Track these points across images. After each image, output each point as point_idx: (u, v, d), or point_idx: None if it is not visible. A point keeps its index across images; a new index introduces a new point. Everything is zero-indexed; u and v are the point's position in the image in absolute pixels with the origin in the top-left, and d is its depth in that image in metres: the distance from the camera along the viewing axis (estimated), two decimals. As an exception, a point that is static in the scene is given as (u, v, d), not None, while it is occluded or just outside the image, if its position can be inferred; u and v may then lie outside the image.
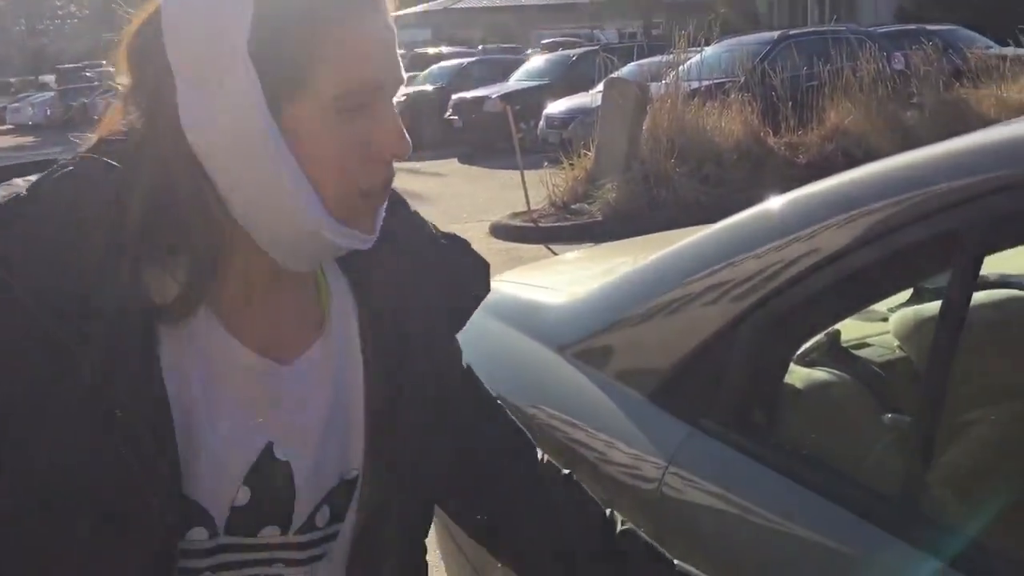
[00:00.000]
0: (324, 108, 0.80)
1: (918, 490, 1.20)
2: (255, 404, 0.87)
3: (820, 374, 1.51)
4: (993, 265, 1.78)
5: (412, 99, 18.78)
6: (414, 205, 1.03)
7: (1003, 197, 1.16)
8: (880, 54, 10.54)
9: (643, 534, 1.10)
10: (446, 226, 1.07)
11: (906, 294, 1.76)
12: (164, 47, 0.80)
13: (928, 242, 1.23)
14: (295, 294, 0.91)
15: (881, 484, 1.29)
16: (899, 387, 1.52)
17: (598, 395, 1.63)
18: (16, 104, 37.44)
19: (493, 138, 15.59)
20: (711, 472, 1.37)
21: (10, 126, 36.00)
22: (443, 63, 21.81)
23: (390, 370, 0.93)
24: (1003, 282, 1.72)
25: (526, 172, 9.44)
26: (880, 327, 1.73)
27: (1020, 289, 1.71)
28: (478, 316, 2.17)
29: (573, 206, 9.42)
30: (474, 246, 1.05)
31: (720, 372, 1.41)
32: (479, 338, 2.11)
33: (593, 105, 10.88)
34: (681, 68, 10.06)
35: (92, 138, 0.87)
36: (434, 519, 0.99)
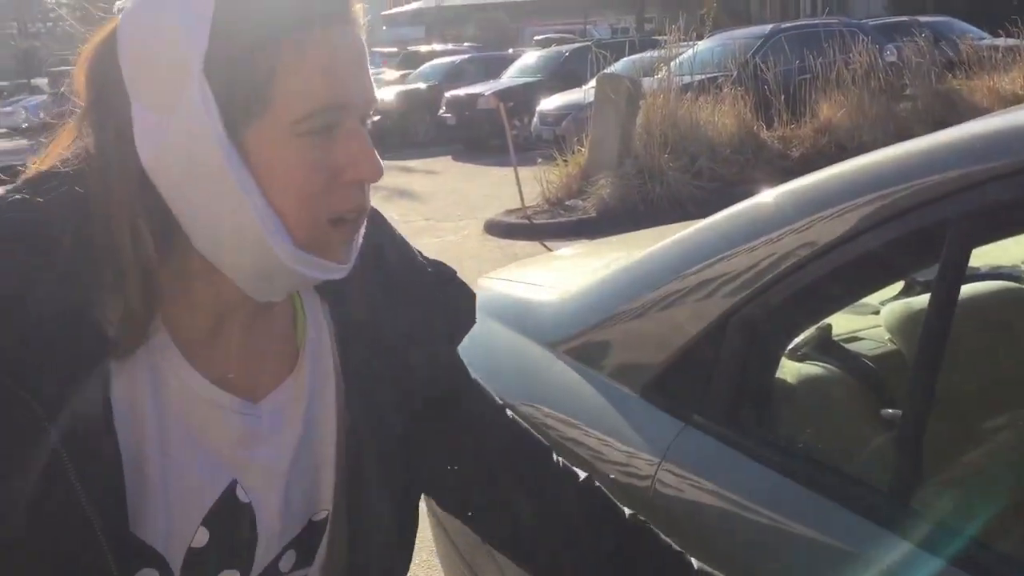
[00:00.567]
0: (287, 131, 0.75)
1: (910, 484, 1.20)
2: (218, 442, 0.82)
3: (811, 368, 1.51)
4: (984, 256, 1.78)
5: (405, 97, 18.78)
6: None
7: (992, 188, 1.15)
8: (872, 46, 10.54)
9: (666, 539, 1.06)
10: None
11: (897, 287, 1.76)
12: (120, 67, 0.76)
13: (918, 234, 1.23)
14: (268, 327, 0.86)
15: (873, 479, 1.29)
16: (891, 380, 1.51)
17: (590, 392, 1.62)
18: (8, 108, 37.34)
19: (487, 135, 15.58)
20: (704, 468, 1.37)
21: (3, 129, 35.91)
22: (436, 61, 21.80)
23: (368, 391, 0.90)
24: (994, 274, 1.72)
25: (520, 169, 9.43)
26: (871, 320, 1.73)
27: (1011, 280, 1.71)
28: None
29: (567, 202, 9.41)
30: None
31: (712, 367, 1.41)
32: (472, 336, 2.12)
33: (586, 101, 10.86)
34: (673, 63, 10.05)
35: (42, 161, 0.82)
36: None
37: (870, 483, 1.28)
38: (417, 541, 1.10)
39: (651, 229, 2.68)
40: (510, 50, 24.99)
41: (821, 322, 1.55)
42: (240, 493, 0.84)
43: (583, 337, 1.72)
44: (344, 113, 0.78)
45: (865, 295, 1.64)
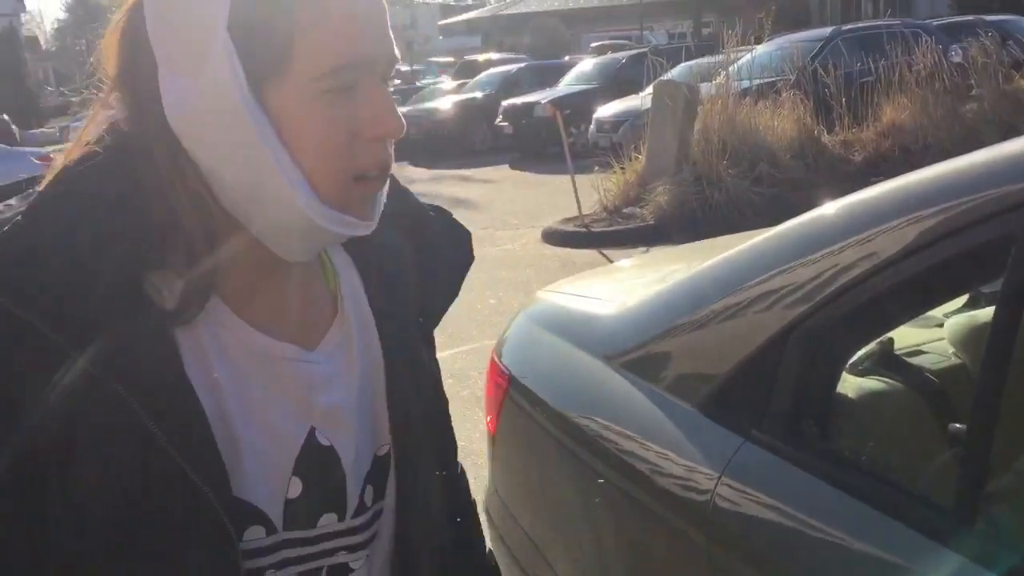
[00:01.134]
0: (310, 89, 0.76)
1: (975, 502, 1.18)
2: (289, 392, 0.85)
3: (873, 383, 1.49)
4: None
5: (462, 107, 18.91)
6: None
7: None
8: (936, 47, 10.32)
9: None
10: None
11: (962, 299, 1.73)
12: (147, 34, 0.78)
13: (983, 247, 1.21)
14: (303, 280, 0.89)
15: (937, 495, 1.27)
16: (955, 395, 1.49)
17: (647, 405, 1.63)
18: (77, 123, 38.43)
19: (544, 143, 15.62)
20: (764, 484, 1.36)
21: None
22: (492, 70, 21.90)
23: (401, 337, 0.94)
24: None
25: (577, 177, 9.43)
26: (935, 333, 1.70)
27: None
28: (529, 327, 2.19)
29: (625, 210, 9.38)
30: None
31: (772, 382, 1.40)
32: (530, 349, 2.14)
33: (643, 107, 10.82)
34: (731, 68, 9.96)
35: (78, 145, 0.83)
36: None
37: (933, 500, 1.26)
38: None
39: (708, 240, 2.67)
40: (566, 57, 25.02)
41: (883, 336, 1.52)
42: (320, 438, 0.86)
43: (640, 350, 1.72)
44: (365, 70, 0.79)
45: (928, 309, 1.62)
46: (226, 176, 0.78)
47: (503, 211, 11.45)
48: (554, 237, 9.26)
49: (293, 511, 0.85)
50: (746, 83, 10.09)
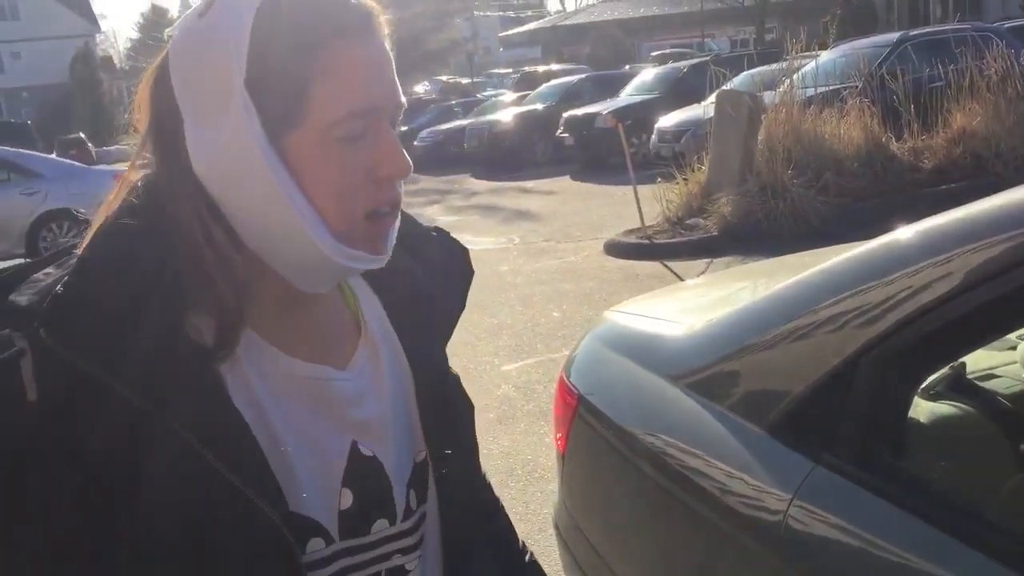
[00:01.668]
0: (322, 135, 0.83)
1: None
2: (328, 410, 0.91)
3: (945, 408, 1.49)
4: None
5: (523, 118, 19.00)
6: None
7: None
8: (1008, 51, 10.07)
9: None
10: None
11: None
12: (172, 89, 0.84)
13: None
14: (327, 306, 0.95)
15: (1011, 521, 1.27)
16: (1030, 419, 1.48)
17: (714, 426, 1.64)
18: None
19: (605, 154, 15.61)
20: (836, 508, 1.37)
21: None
22: (552, 81, 21.96)
23: (424, 350, 1.01)
24: None
25: (639, 188, 9.41)
26: (1008, 356, 1.69)
27: None
28: (596, 347, 2.22)
29: (688, 221, 9.33)
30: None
31: (842, 406, 1.41)
32: (598, 368, 2.17)
33: (705, 117, 10.76)
34: (795, 76, 9.85)
35: (114, 198, 0.89)
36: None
37: (1006, 526, 1.26)
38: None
39: (775, 259, 2.67)
40: (626, 67, 24.96)
41: (957, 360, 1.52)
42: (363, 450, 0.92)
43: (707, 371, 1.74)
44: (374, 116, 0.85)
45: (1004, 335, 1.61)
46: (249, 219, 0.85)
47: (565, 223, 11.48)
48: (616, 249, 9.25)
49: (347, 521, 0.90)
50: (811, 91, 9.96)
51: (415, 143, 20.73)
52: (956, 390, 1.53)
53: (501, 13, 63.60)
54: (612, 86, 19.21)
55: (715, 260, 8.26)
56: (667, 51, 29.81)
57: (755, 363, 1.64)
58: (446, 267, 1.08)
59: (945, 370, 1.53)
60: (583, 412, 2.05)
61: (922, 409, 1.48)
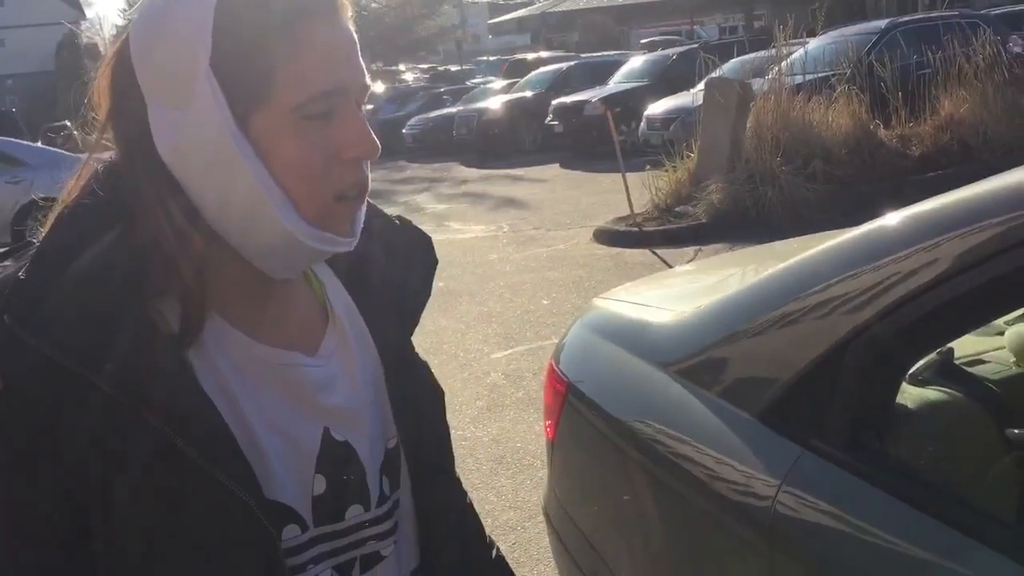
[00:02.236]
0: (289, 117, 0.82)
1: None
2: (299, 396, 0.90)
3: (933, 393, 1.49)
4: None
5: (512, 106, 18.96)
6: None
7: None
8: (995, 38, 10.10)
9: None
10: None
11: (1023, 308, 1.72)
12: (135, 71, 0.83)
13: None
14: (294, 292, 0.95)
15: (998, 506, 1.28)
16: (1017, 405, 1.49)
17: (704, 412, 1.65)
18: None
19: (594, 142, 15.60)
20: (825, 493, 1.38)
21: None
22: (542, 69, 21.91)
23: (391, 336, 1.01)
24: None
25: (628, 175, 9.40)
26: (995, 342, 1.69)
27: None
28: (586, 334, 2.22)
29: (677, 209, 9.34)
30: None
31: (831, 392, 1.41)
32: (588, 356, 2.17)
33: (694, 104, 10.76)
34: (784, 63, 9.86)
35: (74, 185, 0.88)
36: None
37: (993, 510, 1.27)
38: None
39: (764, 246, 2.68)
40: (616, 55, 24.89)
41: (944, 346, 1.53)
42: (336, 435, 0.92)
43: (697, 358, 1.74)
44: (340, 98, 0.85)
45: (991, 320, 1.61)
46: (216, 202, 0.84)
47: (554, 211, 11.47)
48: (606, 237, 9.26)
49: (321, 507, 0.90)
50: (799, 78, 9.98)
51: (404, 131, 20.67)
52: (944, 376, 1.53)
53: (490, 0, 63.39)
54: (601, 73, 19.18)
55: (704, 247, 8.27)
56: (656, 38, 29.78)
57: (744, 350, 1.65)
58: (411, 255, 1.08)
59: (933, 356, 1.53)
60: (573, 399, 2.05)
61: (910, 395, 1.48)
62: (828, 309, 1.47)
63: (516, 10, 48.96)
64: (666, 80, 15.89)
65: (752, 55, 11.71)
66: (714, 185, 8.98)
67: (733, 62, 12.08)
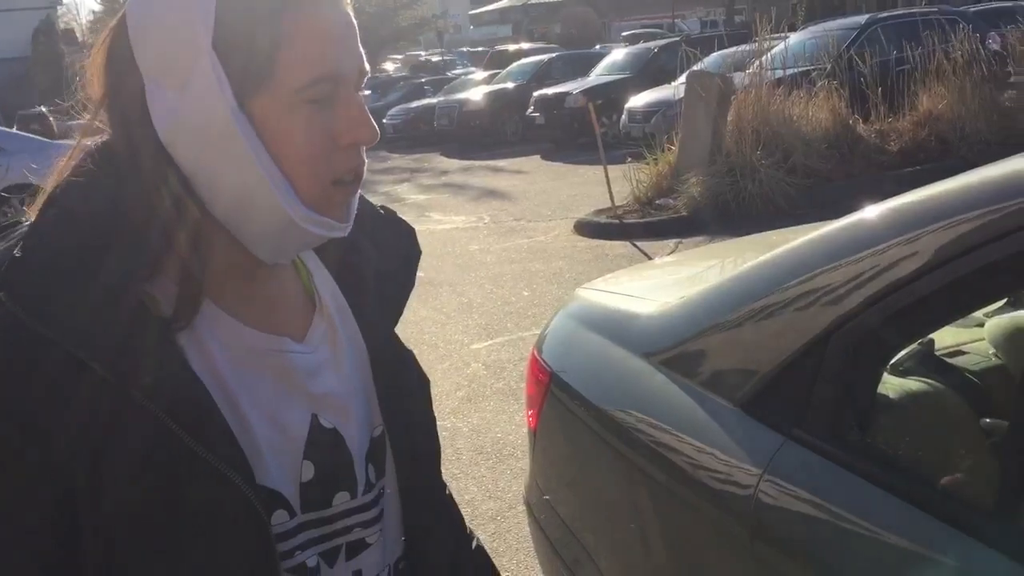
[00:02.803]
0: (290, 100, 0.82)
1: (1015, 500, 1.20)
2: (288, 383, 0.90)
3: (913, 384, 1.51)
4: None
5: (493, 97, 18.93)
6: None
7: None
8: (973, 35, 10.18)
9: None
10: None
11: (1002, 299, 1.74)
12: (132, 52, 0.83)
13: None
14: (283, 279, 0.95)
15: (976, 494, 1.29)
16: (996, 395, 1.50)
17: (686, 402, 1.65)
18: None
19: (576, 134, 15.60)
20: (807, 482, 1.39)
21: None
22: (523, 60, 21.87)
23: (378, 325, 1.02)
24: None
25: (609, 168, 9.41)
26: (975, 333, 1.71)
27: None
28: (568, 324, 2.22)
29: (658, 201, 9.37)
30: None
31: (813, 382, 1.42)
32: (570, 346, 2.17)
33: (675, 98, 10.78)
34: (765, 57, 9.89)
35: (65, 164, 0.87)
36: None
37: (973, 498, 1.28)
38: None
39: (746, 238, 2.69)
40: (597, 47, 24.90)
41: (925, 337, 1.54)
42: (324, 422, 0.92)
43: (679, 348, 1.75)
44: (340, 82, 0.85)
45: (971, 311, 1.63)
46: (215, 184, 0.84)
47: (535, 202, 11.47)
48: (586, 229, 9.26)
49: (309, 493, 0.90)
50: (780, 72, 10.02)
51: (384, 121, 20.58)
52: (925, 366, 1.55)
53: (471, -10, 63.16)
54: (583, 65, 19.17)
55: (684, 240, 8.30)
56: (638, 31, 29.79)
57: (727, 340, 1.65)
58: (396, 245, 1.08)
59: (914, 347, 1.55)
60: (555, 389, 2.06)
61: (891, 385, 1.50)
62: (811, 300, 1.48)
63: (498, 1, 48.77)
64: (648, 73, 15.90)
65: (733, 49, 11.73)
66: (695, 178, 9.00)
67: (714, 56, 12.09)
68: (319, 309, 0.97)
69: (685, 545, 1.67)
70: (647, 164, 9.92)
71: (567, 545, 2.06)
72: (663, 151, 9.91)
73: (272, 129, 0.82)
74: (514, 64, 21.60)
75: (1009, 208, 1.24)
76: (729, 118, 9.24)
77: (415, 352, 1.10)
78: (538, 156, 16.09)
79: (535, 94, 17.48)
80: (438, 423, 1.11)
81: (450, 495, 1.18)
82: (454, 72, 28.07)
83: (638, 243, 8.45)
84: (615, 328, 2.00)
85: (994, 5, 13.90)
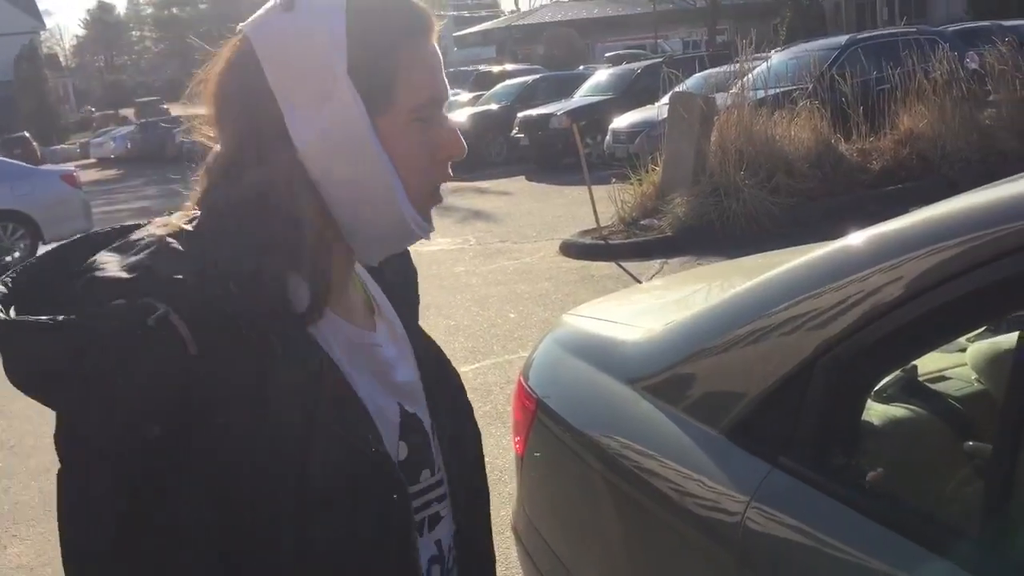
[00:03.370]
0: (406, 118, 0.95)
1: (999, 526, 1.20)
2: (381, 372, 1.01)
3: (897, 410, 1.51)
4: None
5: (478, 119, 18.98)
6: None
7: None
8: (952, 54, 10.30)
9: None
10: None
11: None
12: (264, 76, 0.92)
13: (1010, 278, 1.23)
14: (352, 284, 1.06)
15: (961, 520, 1.30)
16: (978, 421, 1.51)
17: (671, 429, 1.66)
18: (98, 139, 38.74)
19: (560, 154, 15.66)
20: (793, 510, 1.39)
21: (93, 160, 37.24)
22: (508, 81, 21.97)
23: (413, 329, 1.13)
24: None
25: (594, 188, 9.44)
26: (958, 358, 1.72)
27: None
28: (554, 350, 2.22)
29: (642, 222, 9.40)
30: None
31: (798, 410, 1.42)
32: (556, 372, 2.17)
33: (659, 118, 10.84)
34: (747, 77, 9.98)
35: (201, 179, 0.97)
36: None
37: (958, 526, 1.29)
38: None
39: (730, 262, 2.70)
40: (581, 68, 25.03)
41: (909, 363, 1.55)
42: (407, 407, 1.03)
43: (664, 374, 1.75)
44: (439, 105, 0.98)
45: (955, 338, 1.64)
46: (347, 193, 0.95)
47: (520, 223, 11.49)
48: (572, 249, 9.28)
49: (406, 471, 0.99)
50: (762, 93, 10.10)
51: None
52: (908, 392, 1.55)
53: (455, 12, 63.48)
54: (567, 87, 19.27)
55: (670, 260, 8.33)
56: (621, 52, 29.99)
57: (712, 366, 1.66)
58: (402, 263, 1.18)
59: (897, 372, 1.55)
60: (541, 416, 2.06)
61: (875, 411, 1.50)
62: (795, 327, 1.48)
63: (481, 23, 49.04)
64: (631, 94, 16.01)
65: (715, 69, 11.83)
66: (679, 198, 9.05)
67: (696, 76, 12.19)
68: (378, 312, 1.07)
69: (673, 573, 1.66)
70: (632, 184, 9.96)
71: (554, 572, 2.05)
72: (647, 171, 9.95)
73: (392, 144, 0.94)
74: (498, 85, 21.69)
75: (992, 235, 1.26)
76: (712, 138, 9.30)
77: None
78: (523, 177, 16.14)
79: (519, 115, 17.55)
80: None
81: (484, 477, 1.24)
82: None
83: (624, 263, 8.47)
84: (600, 354, 2.01)
85: (972, 25, 14.09)
